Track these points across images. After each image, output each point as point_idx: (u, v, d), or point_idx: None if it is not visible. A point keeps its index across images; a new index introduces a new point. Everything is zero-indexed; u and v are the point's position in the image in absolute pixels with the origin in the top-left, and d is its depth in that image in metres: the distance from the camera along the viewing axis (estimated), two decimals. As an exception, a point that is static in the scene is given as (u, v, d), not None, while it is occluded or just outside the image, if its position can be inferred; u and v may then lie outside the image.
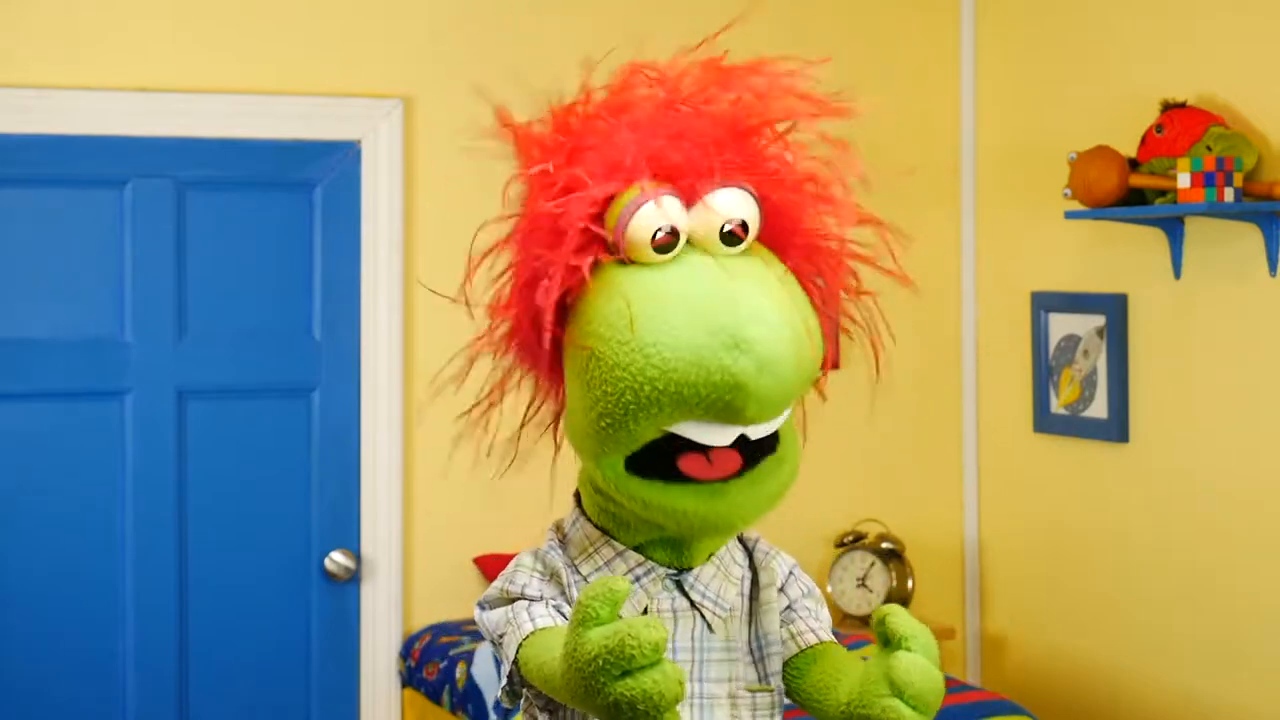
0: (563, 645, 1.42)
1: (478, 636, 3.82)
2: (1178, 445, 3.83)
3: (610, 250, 1.53)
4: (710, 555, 1.63)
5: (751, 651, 1.66)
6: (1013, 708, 3.49)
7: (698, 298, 1.48)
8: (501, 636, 1.61)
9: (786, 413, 1.54)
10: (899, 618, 1.52)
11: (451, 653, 3.80)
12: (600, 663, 1.35)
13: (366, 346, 3.99)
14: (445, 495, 4.07)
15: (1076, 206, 3.89)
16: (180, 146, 3.85)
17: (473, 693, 3.63)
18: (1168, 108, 3.68)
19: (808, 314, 1.54)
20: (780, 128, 1.56)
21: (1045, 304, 4.20)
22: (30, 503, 3.76)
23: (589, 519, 1.65)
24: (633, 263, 1.52)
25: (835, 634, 1.74)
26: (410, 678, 3.94)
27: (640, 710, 1.35)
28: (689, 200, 1.52)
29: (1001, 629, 4.44)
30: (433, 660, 3.85)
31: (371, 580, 4.01)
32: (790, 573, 1.72)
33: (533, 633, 1.57)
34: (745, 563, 1.68)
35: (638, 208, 1.51)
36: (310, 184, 3.96)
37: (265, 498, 3.94)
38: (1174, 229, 3.78)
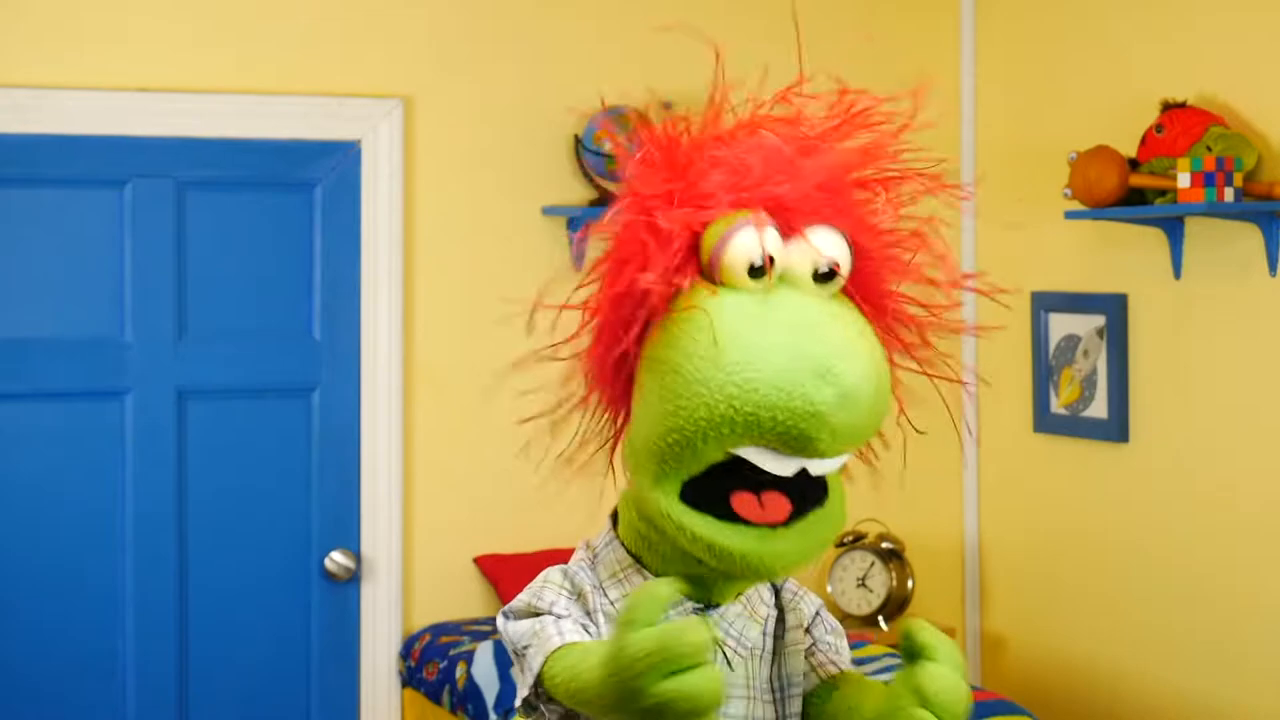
0: (599, 653, 1.43)
1: (478, 636, 3.81)
2: (1178, 445, 3.83)
3: (704, 273, 1.53)
4: (738, 595, 1.63)
5: (773, 691, 1.65)
6: (1012, 708, 3.49)
7: (788, 325, 1.49)
8: (526, 648, 1.59)
9: (846, 457, 1.55)
10: (924, 630, 1.53)
11: (451, 653, 3.80)
12: (649, 662, 1.36)
13: (366, 346, 3.99)
14: (445, 495, 4.07)
15: (1076, 206, 3.89)
16: (180, 146, 3.85)
17: (473, 693, 3.63)
18: (1168, 108, 3.68)
19: (885, 364, 1.56)
20: (887, 190, 1.59)
21: (1045, 304, 4.20)
22: (30, 503, 3.76)
23: (622, 543, 1.64)
24: (724, 287, 1.53)
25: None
26: (410, 678, 3.94)
27: (684, 710, 1.36)
28: (786, 235, 1.53)
29: (1001, 629, 4.44)
30: (433, 660, 3.84)
31: (371, 580, 4.01)
32: (817, 613, 1.72)
33: (561, 646, 1.55)
34: (772, 602, 1.68)
35: (738, 231, 1.51)
36: (310, 184, 3.96)
37: (265, 498, 3.94)
38: (1174, 229, 3.78)
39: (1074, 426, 4.12)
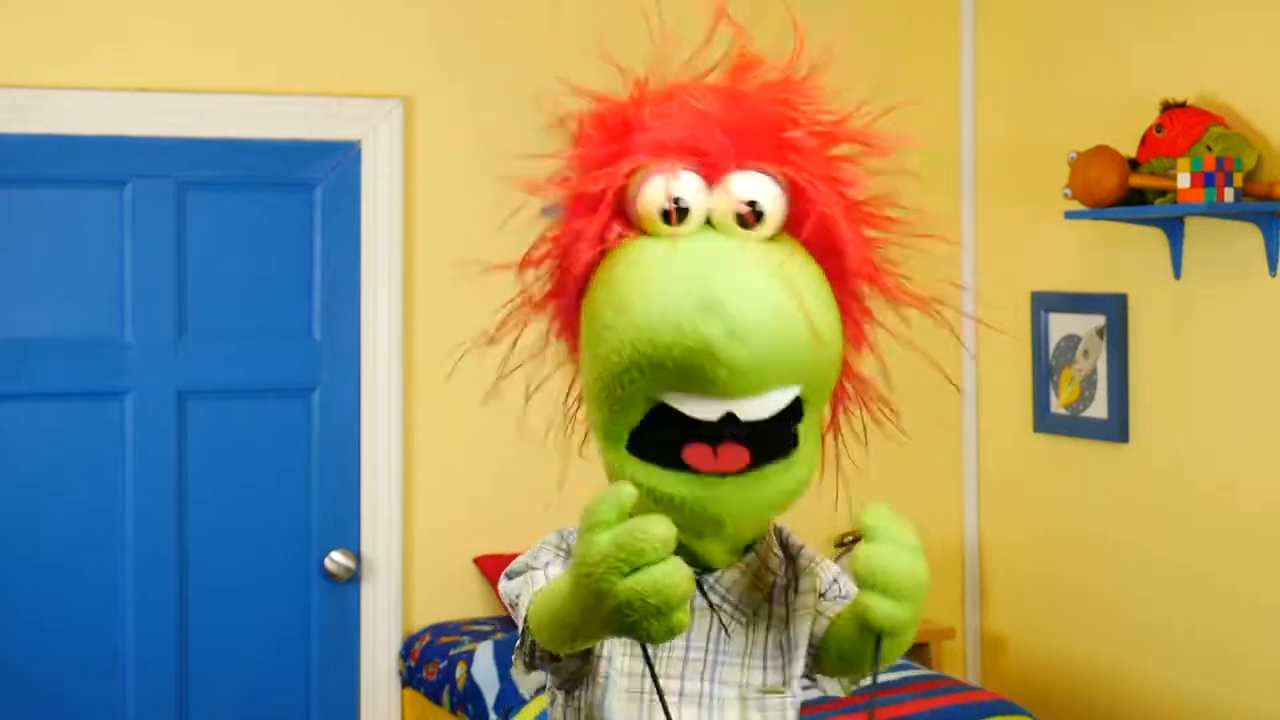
0: (568, 570, 1.43)
1: (478, 636, 3.82)
2: (1178, 445, 3.83)
3: (634, 225, 1.54)
4: (731, 563, 1.61)
5: (780, 654, 1.64)
6: (1012, 708, 3.49)
7: (687, 263, 1.48)
8: (518, 597, 1.62)
9: (782, 396, 1.49)
10: (869, 513, 1.50)
11: (451, 653, 3.80)
12: (611, 561, 1.35)
13: (366, 346, 3.99)
14: (445, 495, 4.07)
15: (1076, 206, 3.89)
16: (180, 146, 3.85)
17: (473, 693, 3.63)
18: (1168, 108, 3.68)
19: (818, 305, 1.50)
20: (819, 130, 1.56)
21: (1045, 304, 4.20)
22: (30, 503, 3.76)
23: None
24: (647, 236, 1.53)
25: None
26: (410, 678, 3.94)
27: (651, 605, 1.35)
28: (712, 182, 1.53)
29: (1001, 629, 4.44)
30: (433, 660, 3.85)
31: (371, 580, 4.01)
32: (834, 580, 1.70)
33: (544, 587, 1.57)
34: (782, 569, 1.67)
35: (649, 179, 1.52)
36: (310, 184, 3.96)
37: (265, 498, 3.94)
38: (1174, 229, 3.78)
39: (1074, 426, 4.12)
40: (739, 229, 1.52)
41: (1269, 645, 3.61)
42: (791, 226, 1.55)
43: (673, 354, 1.44)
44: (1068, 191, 3.80)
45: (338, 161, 3.97)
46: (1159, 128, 3.68)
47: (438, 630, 3.95)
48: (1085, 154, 3.78)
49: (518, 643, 1.63)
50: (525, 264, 1.65)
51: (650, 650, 1.52)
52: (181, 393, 3.86)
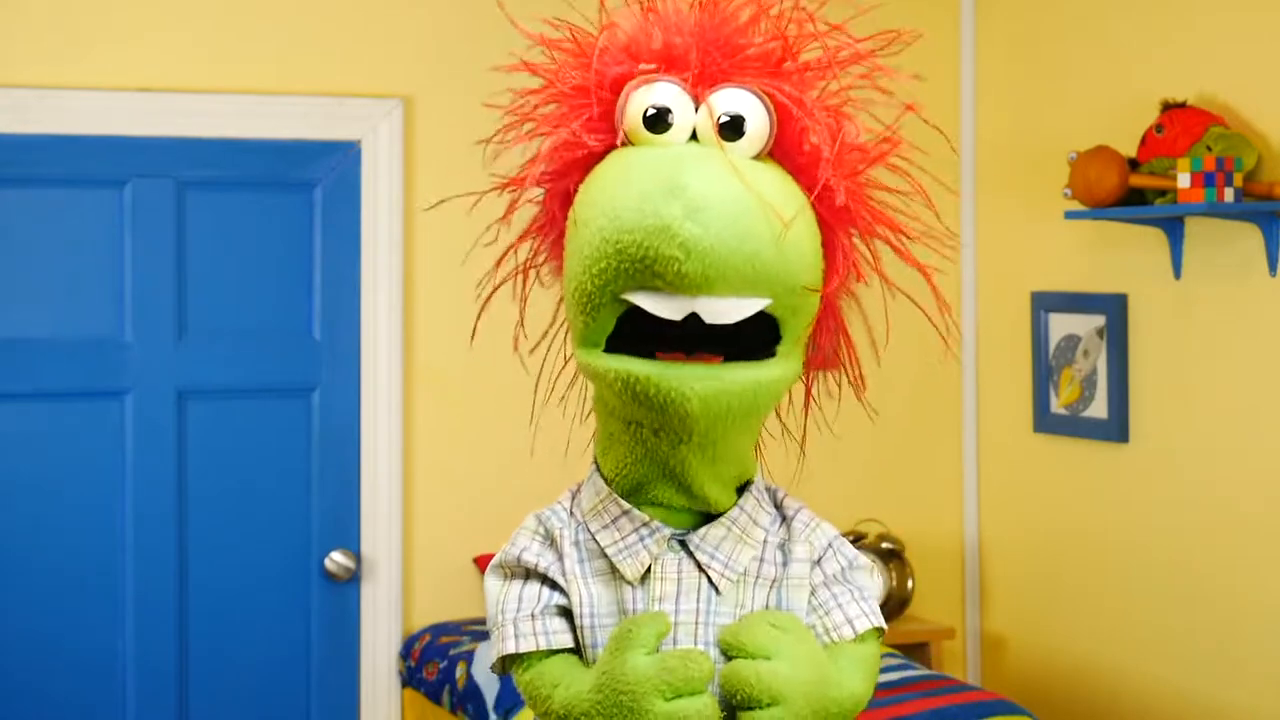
0: (588, 675, 1.48)
1: (478, 636, 3.82)
2: (1178, 445, 3.83)
3: (619, 135, 1.55)
4: (727, 504, 1.59)
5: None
6: (1012, 708, 3.49)
7: (664, 159, 1.49)
8: (499, 606, 1.61)
9: (748, 304, 1.47)
10: (725, 632, 1.54)
11: (451, 653, 3.80)
12: (656, 683, 1.44)
13: (366, 346, 3.99)
14: (445, 495, 4.07)
15: (1076, 206, 3.89)
16: (180, 146, 3.85)
17: (473, 693, 3.63)
18: (1168, 108, 3.68)
19: (788, 209, 1.50)
20: (806, 55, 1.58)
21: (1045, 304, 4.20)
22: (30, 503, 3.76)
23: (598, 469, 1.63)
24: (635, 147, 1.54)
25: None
26: (410, 678, 3.94)
27: None
28: (699, 96, 1.54)
29: (1001, 629, 4.44)
30: (433, 660, 3.85)
31: (371, 580, 4.01)
32: (829, 545, 1.66)
33: (520, 656, 1.58)
34: (774, 528, 1.63)
35: (634, 89, 1.53)
36: (310, 184, 3.96)
37: (265, 498, 3.94)
38: (1174, 229, 3.78)
39: (1074, 426, 4.12)
40: (724, 144, 1.52)
41: (1269, 645, 3.61)
42: (785, 154, 1.56)
43: (634, 236, 1.44)
44: (1068, 191, 3.80)
45: (338, 161, 3.97)
46: (1159, 128, 3.68)
47: (438, 630, 3.95)
48: (1085, 154, 3.78)
49: (495, 651, 1.62)
50: (515, 182, 1.68)
51: None
52: (181, 393, 3.86)
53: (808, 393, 1.67)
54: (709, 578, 1.58)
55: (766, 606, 1.60)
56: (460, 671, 3.71)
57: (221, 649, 3.91)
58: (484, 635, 3.81)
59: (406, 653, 3.98)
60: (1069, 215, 3.88)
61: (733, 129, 1.52)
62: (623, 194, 1.47)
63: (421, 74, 4.03)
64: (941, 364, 4.46)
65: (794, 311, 1.51)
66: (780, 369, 1.53)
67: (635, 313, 1.48)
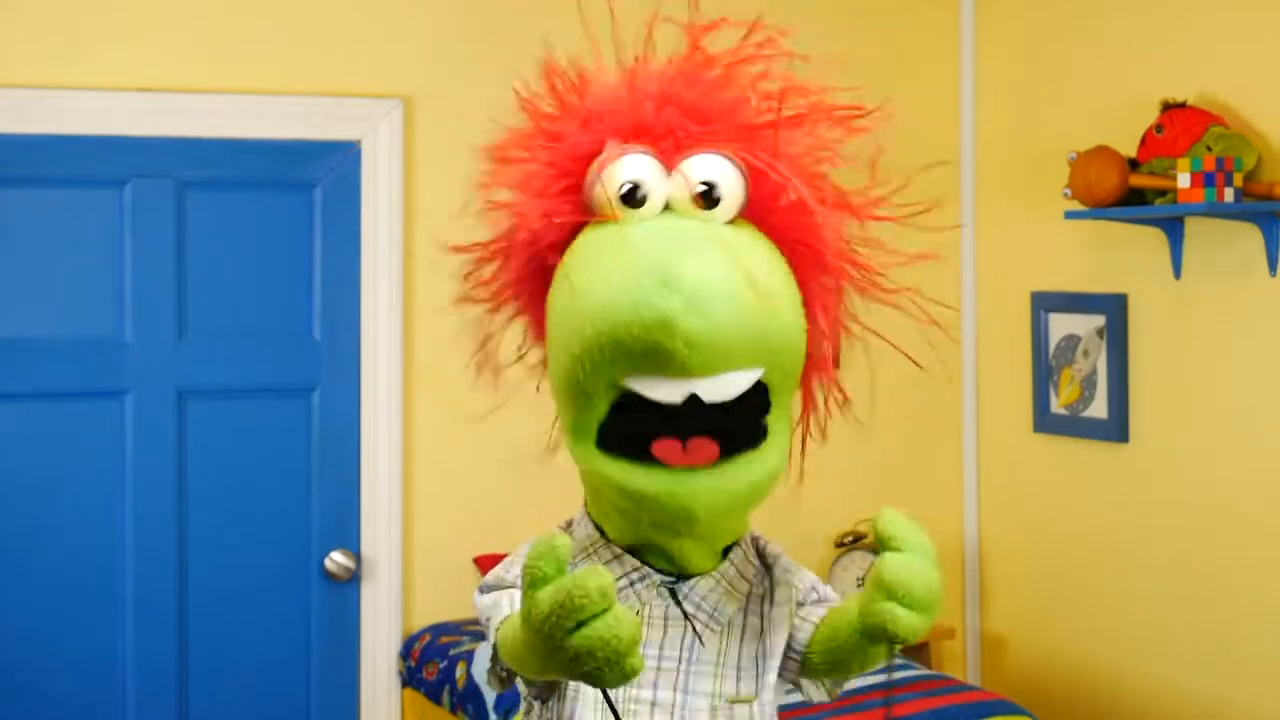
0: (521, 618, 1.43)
1: (478, 636, 3.82)
2: (1178, 445, 3.83)
3: (592, 211, 1.53)
4: (712, 568, 1.61)
5: (754, 664, 1.64)
6: (1012, 708, 3.49)
7: (647, 242, 1.47)
8: (488, 620, 1.62)
9: (744, 377, 1.48)
10: (887, 520, 1.48)
11: (451, 653, 3.80)
12: (554, 619, 1.33)
13: (366, 346, 3.99)
14: (445, 495, 4.07)
15: (1076, 206, 3.89)
16: (180, 146, 3.85)
17: (473, 693, 3.63)
18: (1168, 108, 3.68)
19: (775, 279, 1.50)
20: (784, 115, 1.55)
21: (1045, 304, 4.20)
22: (30, 503, 3.76)
23: (590, 517, 1.65)
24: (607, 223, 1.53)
25: None
26: (410, 678, 3.94)
27: (601, 658, 1.33)
28: (671, 164, 1.52)
29: (1001, 629, 4.44)
30: (433, 660, 3.85)
31: (371, 580, 4.01)
32: (812, 587, 1.70)
33: (509, 616, 1.56)
34: (759, 579, 1.66)
35: (605, 164, 1.51)
36: (310, 184, 3.96)
37: (265, 498, 3.94)
38: (1174, 229, 3.78)
39: (1074, 426, 4.12)
40: (699, 212, 1.51)
41: (1269, 645, 3.61)
42: (758, 211, 1.54)
43: (631, 331, 1.42)
44: (1068, 191, 3.80)
45: (338, 161, 3.97)
46: (1159, 128, 3.68)
47: (438, 630, 3.96)
48: (1085, 154, 3.78)
49: (489, 663, 1.63)
50: (484, 258, 1.67)
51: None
52: (181, 393, 3.86)
53: (807, 393, 1.67)
54: (694, 627, 1.60)
55: (746, 656, 1.63)
56: (460, 671, 3.71)
57: (221, 649, 3.91)
58: (484, 636, 3.81)
59: (406, 653, 3.98)
60: (1069, 215, 3.88)
61: (708, 198, 1.51)
62: (612, 284, 1.45)
63: (421, 74, 4.03)
64: (940, 369, 4.46)
65: (785, 374, 1.52)
66: (777, 457, 1.53)
67: (628, 393, 1.47)
